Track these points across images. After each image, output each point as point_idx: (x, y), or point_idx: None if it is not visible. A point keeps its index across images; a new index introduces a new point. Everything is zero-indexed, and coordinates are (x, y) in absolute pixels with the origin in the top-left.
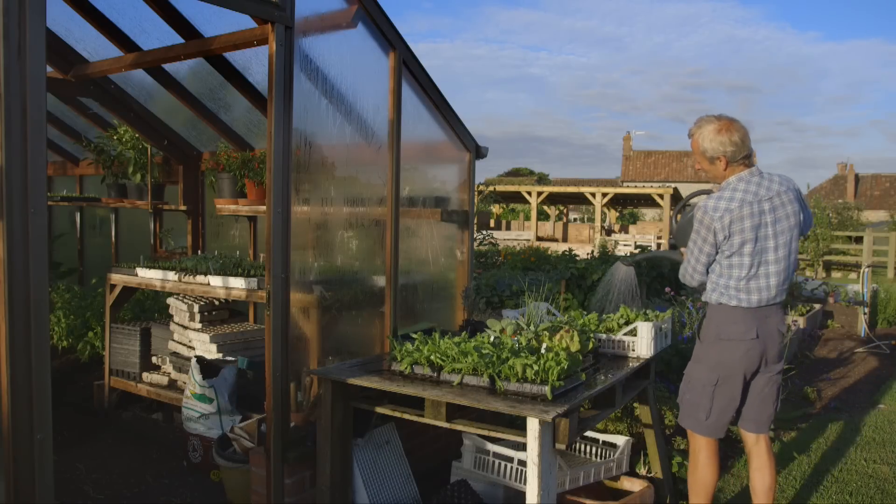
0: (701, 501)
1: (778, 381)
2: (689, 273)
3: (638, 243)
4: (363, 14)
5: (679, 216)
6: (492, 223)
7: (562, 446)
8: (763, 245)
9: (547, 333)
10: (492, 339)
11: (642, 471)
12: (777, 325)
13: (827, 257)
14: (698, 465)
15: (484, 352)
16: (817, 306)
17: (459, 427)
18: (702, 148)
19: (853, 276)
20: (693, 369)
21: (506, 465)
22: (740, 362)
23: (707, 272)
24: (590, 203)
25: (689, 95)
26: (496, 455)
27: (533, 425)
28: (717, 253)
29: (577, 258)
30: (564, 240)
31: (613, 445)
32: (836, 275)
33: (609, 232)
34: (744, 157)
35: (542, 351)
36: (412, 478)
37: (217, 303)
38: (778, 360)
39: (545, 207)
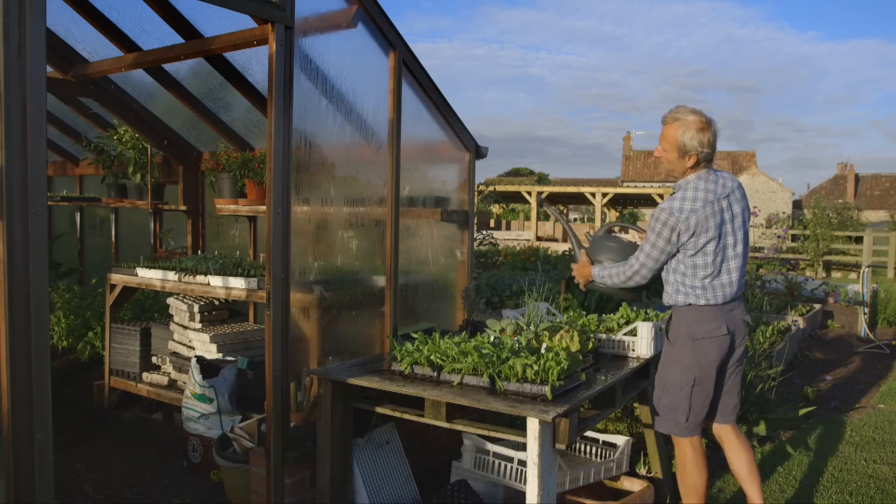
0: (694, 502)
1: (741, 371)
2: (641, 272)
3: (638, 243)
4: (363, 14)
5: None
6: (492, 223)
7: (562, 446)
8: (724, 242)
9: (547, 333)
10: (492, 339)
11: (642, 471)
12: (742, 316)
13: (827, 257)
14: (686, 468)
15: (484, 352)
16: (817, 306)
17: (459, 427)
18: (679, 141)
19: (853, 276)
20: (667, 372)
21: (506, 465)
22: (715, 360)
23: (655, 272)
24: (590, 203)
25: (689, 95)
26: (496, 455)
27: (533, 425)
28: (676, 252)
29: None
30: (564, 240)
31: (613, 445)
32: (836, 275)
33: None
34: (709, 158)
35: (542, 351)
36: (412, 478)
37: (217, 303)
38: (743, 352)
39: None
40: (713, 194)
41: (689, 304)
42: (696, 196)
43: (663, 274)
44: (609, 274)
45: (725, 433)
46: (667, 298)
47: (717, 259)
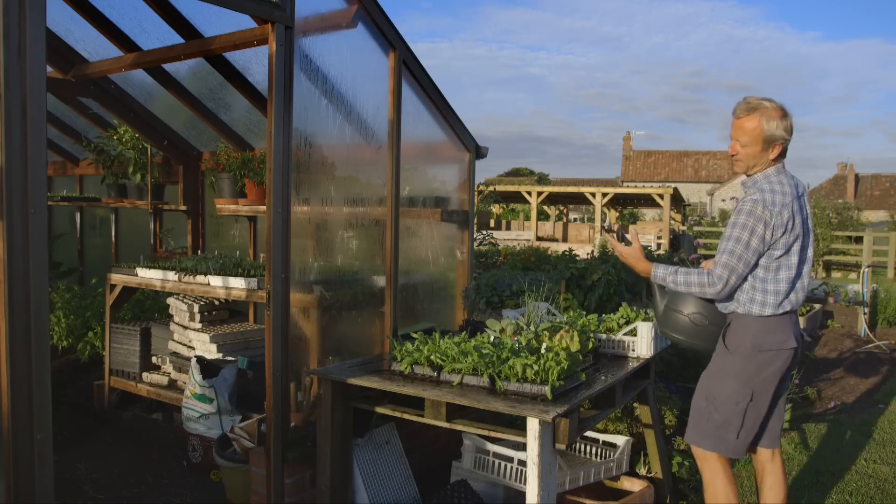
0: None
1: (787, 387)
2: (731, 281)
3: None
4: (363, 14)
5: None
6: (492, 223)
7: (562, 446)
8: (803, 243)
9: (547, 333)
10: (492, 339)
11: (642, 471)
12: (800, 328)
13: (827, 257)
14: (718, 491)
15: (484, 352)
16: (817, 306)
17: (459, 427)
18: (766, 130)
19: (853, 276)
20: (720, 385)
21: (506, 465)
22: (777, 374)
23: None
24: (590, 203)
25: (689, 95)
26: (496, 455)
27: (533, 425)
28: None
29: (577, 258)
30: (564, 240)
31: (613, 445)
32: (836, 275)
33: (609, 232)
34: (787, 148)
35: (542, 351)
36: (412, 478)
37: (217, 303)
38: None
39: (545, 207)
40: (795, 189)
41: (762, 314)
42: (784, 190)
43: None
44: (680, 280)
45: (773, 464)
46: (734, 306)
47: (800, 260)
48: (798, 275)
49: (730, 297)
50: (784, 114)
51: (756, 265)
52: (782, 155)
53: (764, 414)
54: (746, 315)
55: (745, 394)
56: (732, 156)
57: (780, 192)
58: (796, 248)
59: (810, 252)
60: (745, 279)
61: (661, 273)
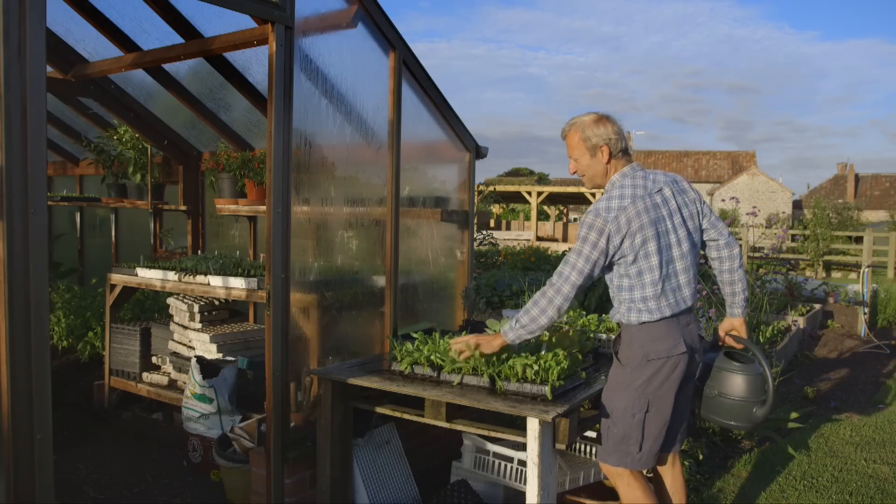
0: None
1: (690, 389)
2: (564, 290)
3: None
4: (363, 14)
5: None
6: (492, 223)
7: (562, 446)
8: (666, 241)
9: (547, 333)
10: None
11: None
12: (697, 330)
13: (827, 257)
14: (638, 501)
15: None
16: (817, 306)
17: (459, 427)
18: (583, 136)
19: (853, 276)
20: (616, 398)
21: (506, 465)
22: (673, 382)
23: (581, 288)
24: (590, 203)
25: (689, 95)
26: (496, 455)
27: (533, 425)
28: (606, 262)
29: None
30: (564, 240)
31: None
32: (836, 275)
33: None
34: (623, 149)
35: (542, 351)
36: (412, 478)
37: (217, 303)
38: (694, 370)
39: (545, 207)
40: (643, 189)
41: (643, 322)
42: (623, 193)
43: (610, 292)
44: (525, 319)
45: (673, 469)
46: (618, 317)
47: (663, 260)
48: (667, 275)
49: (614, 307)
50: (598, 119)
51: (602, 275)
52: (620, 157)
53: (668, 422)
54: (630, 325)
55: (641, 405)
56: (582, 176)
57: (617, 196)
58: (652, 248)
59: (685, 248)
60: (612, 291)
61: (510, 332)
